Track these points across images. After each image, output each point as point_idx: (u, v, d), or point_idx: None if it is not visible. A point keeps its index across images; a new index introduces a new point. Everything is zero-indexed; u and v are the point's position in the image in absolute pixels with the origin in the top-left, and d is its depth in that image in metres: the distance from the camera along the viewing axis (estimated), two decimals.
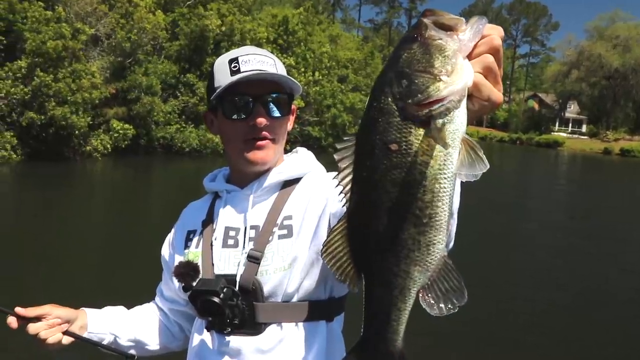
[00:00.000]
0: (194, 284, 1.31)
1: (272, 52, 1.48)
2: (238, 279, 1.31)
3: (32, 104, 17.44)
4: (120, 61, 21.43)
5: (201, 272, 1.34)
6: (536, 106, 71.05)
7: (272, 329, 1.32)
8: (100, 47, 21.04)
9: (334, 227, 0.88)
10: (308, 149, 1.54)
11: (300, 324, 1.33)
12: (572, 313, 7.30)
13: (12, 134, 17.35)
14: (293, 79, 1.36)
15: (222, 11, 25.02)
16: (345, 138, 0.83)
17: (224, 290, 1.27)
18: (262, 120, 1.33)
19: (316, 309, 1.34)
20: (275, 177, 1.41)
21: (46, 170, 16.78)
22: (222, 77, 1.36)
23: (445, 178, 0.77)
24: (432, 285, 0.83)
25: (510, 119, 70.25)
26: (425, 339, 5.17)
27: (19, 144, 17.66)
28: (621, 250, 11.21)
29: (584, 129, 63.64)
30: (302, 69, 28.56)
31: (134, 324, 1.59)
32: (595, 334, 6.52)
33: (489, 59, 0.79)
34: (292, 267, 1.31)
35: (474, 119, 0.82)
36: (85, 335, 1.48)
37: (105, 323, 1.53)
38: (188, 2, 25.64)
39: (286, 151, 1.52)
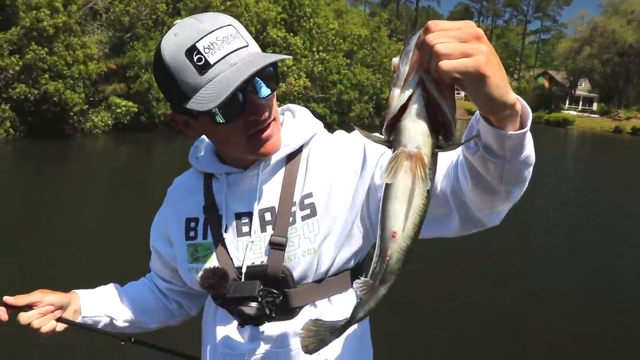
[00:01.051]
0: (225, 290, 1.20)
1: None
2: (266, 269, 1.22)
3: (26, 79, 17.04)
4: (120, 36, 20.98)
5: (217, 264, 1.24)
6: (546, 84, 69.88)
7: (306, 310, 1.25)
8: (99, 21, 20.54)
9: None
10: None
11: (333, 298, 1.27)
12: (586, 291, 7.16)
13: (8, 107, 16.99)
14: (274, 54, 1.12)
15: None
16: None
17: (261, 293, 1.19)
18: (262, 111, 1.14)
19: (345, 279, 1.28)
20: (280, 152, 1.25)
21: (45, 146, 16.58)
22: (189, 78, 1.08)
23: (394, 191, 0.82)
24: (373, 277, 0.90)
25: (520, 96, 69.11)
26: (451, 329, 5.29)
27: (18, 120, 17.34)
28: (636, 229, 11.09)
29: (594, 107, 62.49)
30: (308, 45, 27.94)
31: (130, 303, 1.49)
32: (610, 313, 6.38)
33: (437, 48, 0.72)
34: (321, 247, 1.22)
35: (491, 91, 0.75)
36: (79, 319, 1.40)
37: (99, 305, 1.44)
38: None
39: None
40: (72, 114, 18.28)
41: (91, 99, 19.80)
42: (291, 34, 27.38)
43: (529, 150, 0.88)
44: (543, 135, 44.25)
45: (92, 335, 1.46)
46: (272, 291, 1.21)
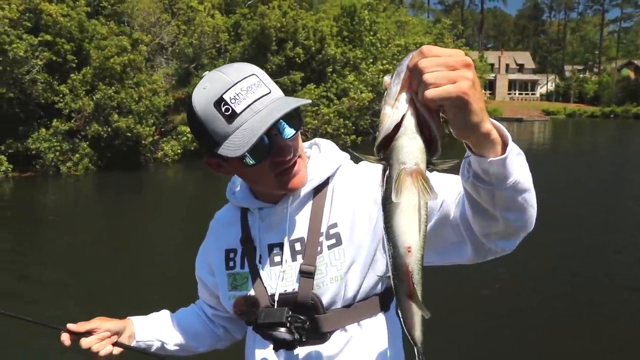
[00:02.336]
0: (256, 316, 1.29)
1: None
2: (297, 296, 1.30)
3: (98, 117, 18.04)
4: (185, 67, 21.83)
5: (254, 294, 1.33)
6: (632, 75, 65.20)
7: (337, 335, 1.31)
8: (165, 55, 21.52)
9: None
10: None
11: (363, 322, 1.32)
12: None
13: (87, 144, 18.10)
14: (295, 98, 1.25)
15: (284, 7, 24.81)
16: None
17: (289, 319, 1.27)
18: (287, 152, 1.24)
19: (374, 304, 1.34)
20: (307, 186, 1.34)
21: (121, 178, 17.42)
22: (218, 127, 1.19)
23: (401, 208, 0.84)
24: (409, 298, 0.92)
25: (601, 91, 65.05)
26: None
27: (95, 156, 18.39)
28: None
29: None
30: (370, 61, 27.74)
31: (180, 329, 1.62)
32: None
33: (426, 77, 0.78)
34: (348, 274, 1.29)
35: (469, 118, 0.82)
36: (133, 344, 1.54)
37: (151, 330, 1.57)
38: (249, 2, 25.72)
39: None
40: (143, 145, 19.13)
41: (162, 129, 20.68)
42: (351, 47, 27.32)
43: (517, 176, 0.91)
44: (632, 131, 41.09)
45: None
46: (299, 317, 1.27)
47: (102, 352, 1.47)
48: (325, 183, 1.36)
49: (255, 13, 23.99)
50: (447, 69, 0.78)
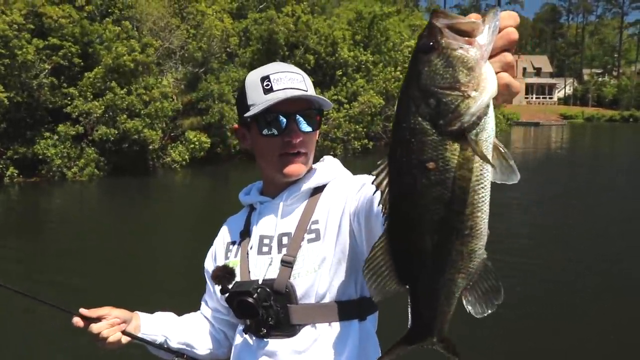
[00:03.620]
0: (230, 286, 1.41)
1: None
2: (274, 283, 1.39)
3: (107, 119, 17.87)
4: (195, 72, 21.63)
5: (239, 277, 1.44)
6: None
7: (306, 330, 1.38)
8: (174, 60, 21.33)
9: (375, 244, 0.91)
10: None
11: (334, 324, 1.38)
12: None
13: (94, 150, 17.93)
14: (322, 97, 1.45)
15: (297, 12, 24.50)
16: (378, 162, 0.85)
17: (258, 291, 1.35)
18: (296, 136, 1.41)
19: (348, 308, 1.38)
20: (303, 186, 1.48)
21: (128, 183, 17.25)
22: (255, 94, 1.44)
23: (482, 188, 0.78)
24: (474, 287, 0.86)
25: (621, 94, 63.83)
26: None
27: (102, 160, 18.21)
28: None
29: None
30: (381, 67, 27.29)
31: (184, 328, 1.69)
32: None
33: (508, 57, 0.78)
34: (320, 268, 1.37)
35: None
36: (139, 335, 1.59)
37: (157, 326, 1.64)
38: (260, 6, 25.50)
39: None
40: (150, 150, 18.90)
41: (172, 134, 20.47)
42: (365, 52, 26.90)
43: None
44: None
45: (145, 352, 1.66)
46: (270, 293, 1.36)
47: (111, 338, 1.53)
48: (321, 189, 1.49)
49: (265, 17, 23.72)
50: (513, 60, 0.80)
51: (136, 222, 12.17)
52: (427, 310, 0.90)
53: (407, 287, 0.90)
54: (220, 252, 1.62)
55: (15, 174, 17.14)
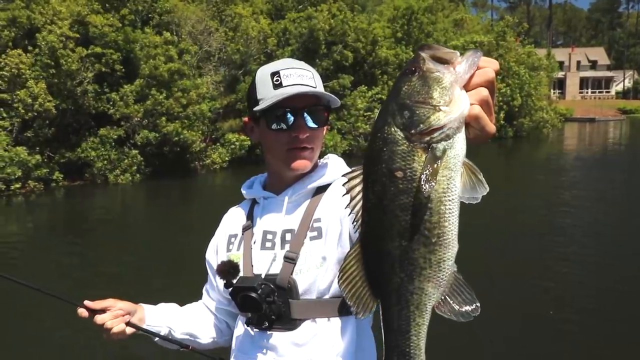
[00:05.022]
0: (234, 281, 1.45)
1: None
2: (276, 278, 1.44)
3: (148, 123, 18.15)
4: (233, 74, 21.70)
5: (242, 272, 1.48)
6: None
7: (306, 325, 1.43)
8: (213, 62, 21.46)
9: (348, 253, 0.94)
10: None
11: (333, 319, 1.44)
12: None
13: (136, 153, 18.29)
14: (330, 94, 1.49)
15: (333, 10, 24.25)
16: (352, 169, 0.90)
17: (262, 287, 1.40)
18: (303, 132, 1.45)
19: (346, 305, 1.25)
20: (308, 184, 1.53)
21: (169, 185, 17.49)
22: (265, 89, 1.48)
23: (449, 200, 0.81)
24: (447, 300, 0.89)
25: None
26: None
27: (143, 163, 18.52)
28: None
29: None
30: None
31: (187, 319, 1.74)
32: None
33: (484, 92, 0.83)
34: (322, 266, 1.43)
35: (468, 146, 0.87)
36: (143, 327, 1.64)
37: (161, 317, 1.69)
38: (299, 7, 25.35)
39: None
40: (191, 152, 19.07)
41: (212, 136, 20.62)
42: (407, 49, 26.27)
43: None
44: None
45: (152, 344, 1.69)
46: (273, 289, 1.41)
47: (115, 329, 1.56)
48: (325, 188, 1.53)
49: (303, 16, 23.57)
50: (493, 99, 0.84)
51: (177, 223, 12.27)
52: (399, 321, 0.91)
53: (379, 300, 0.91)
54: (221, 244, 1.65)
55: (61, 178, 17.67)
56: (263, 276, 1.46)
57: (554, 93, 55.66)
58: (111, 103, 18.28)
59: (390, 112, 0.82)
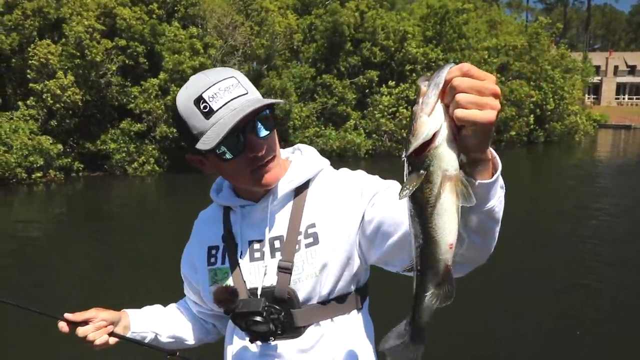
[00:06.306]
0: (234, 305, 1.37)
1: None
2: (274, 290, 1.38)
3: (167, 119, 18.10)
4: (257, 69, 21.52)
5: (232, 283, 1.42)
6: None
7: (311, 329, 1.40)
8: (237, 57, 21.28)
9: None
10: None
11: (336, 319, 1.42)
12: None
13: (154, 147, 18.28)
14: (266, 98, 1.35)
15: (361, 7, 23.87)
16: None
17: (266, 309, 1.34)
18: (260, 149, 1.34)
19: (348, 302, 1.43)
20: (287, 186, 1.43)
21: (186, 179, 17.38)
22: (196, 123, 1.31)
23: (436, 205, 0.91)
24: (439, 286, 0.99)
25: None
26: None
27: (162, 158, 18.48)
28: None
29: None
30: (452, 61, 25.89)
31: (172, 321, 1.70)
32: None
33: (458, 96, 0.86)
34: (322, 273, 1.38)
35: (481, 140, 0.91)
36: (129, 335, 1.60)
37: (146, 322, 1.65)
38: (326, 2, 25.03)
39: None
40: None
41: None
42: (436, 49, 25.65)
43: (494, 203, 0.99)
44: None
45: (141, 349, 1.64)
46: (275, 307, 1.35)
47: (98, 341, 1.52)
48: (306, 185, 1.45)
49: (329, 12, 23.27)
50: (479, 94, 0.85)
51: (194, 216, 12.32)
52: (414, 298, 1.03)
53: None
54: (199, 255, 1.53)
55: (81, 168, 17.77)
56: (259, 290, 1.40)
57: (588, 98, 54.05)
58: (132, 97, 18.29)
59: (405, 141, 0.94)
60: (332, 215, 1.39)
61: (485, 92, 0.85)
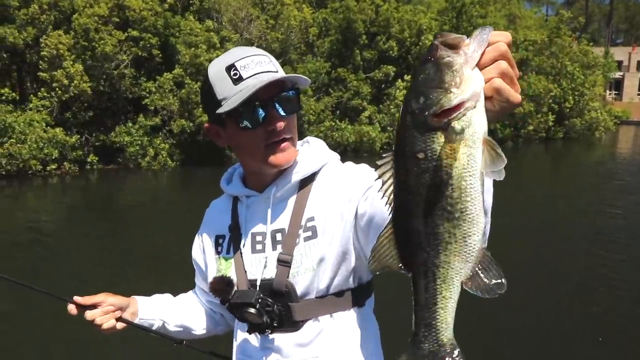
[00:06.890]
0: (230, 296, 1.39)
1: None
2: (272, 283, 1.39)
3: (183, 112, 18.06)
4: None
5: (235, 279, 1.43)
6: None
7: (309, 324, 1.40)
8: None
9: (381, 233, 0.94)
10: None
11: (335, 315, 1.41)
12: None
13: (168, 141, 18.29)
14: (296, 75, 1.39)
15: (377, 1, 23.60)
16: (383, 155, 0.92)
17: (259, 301, 1.35)
18: (280, 124, 1.35)
19: (347, 298, 1.41)
20: (292, 177, 1.43)
21: (201, 173, 17.39)
22: (224, 87, 1.35)
23: (470, 176, 0.84)
24: (474, 276, 0.91)
25: None
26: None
27: (177, 151, 18.43)
28: None
29: None
30: None
31: (181, 310, 1.70)
32: None
33: (502, 64, 0.84)
34: (319, 267, 1.37)
35: (496, 118, 0.88)
36: (136, 321, 1.61)
37: (154, 310, 1.65)
38: None
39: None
40: None
41: None
42: None
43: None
44: None
45: (148, 337, 1.66)
46: (268, 300, 1.36)
47: (105, 325, 1.54)
48: (311, 179, 1.44)
49: (344, 6, 23.08)
50: (514, 69, 0.84)
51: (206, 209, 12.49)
52: (427, 294, 0.92)
53: (409, 275, 0.94)
54: (208, 244, 1.57)
55: (95, 161, 17.84)
56: (258, 282, 1.41)
57: (609, 94, 52.99)
58: (147, 91, 18.28)
59: (410, 100, 0.85)
60: (329, 209, 1.38)
61: (516, 73, 0.84)
